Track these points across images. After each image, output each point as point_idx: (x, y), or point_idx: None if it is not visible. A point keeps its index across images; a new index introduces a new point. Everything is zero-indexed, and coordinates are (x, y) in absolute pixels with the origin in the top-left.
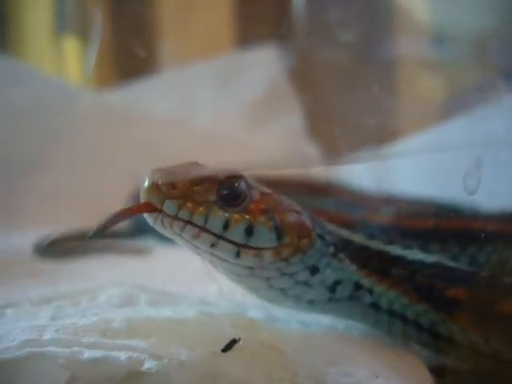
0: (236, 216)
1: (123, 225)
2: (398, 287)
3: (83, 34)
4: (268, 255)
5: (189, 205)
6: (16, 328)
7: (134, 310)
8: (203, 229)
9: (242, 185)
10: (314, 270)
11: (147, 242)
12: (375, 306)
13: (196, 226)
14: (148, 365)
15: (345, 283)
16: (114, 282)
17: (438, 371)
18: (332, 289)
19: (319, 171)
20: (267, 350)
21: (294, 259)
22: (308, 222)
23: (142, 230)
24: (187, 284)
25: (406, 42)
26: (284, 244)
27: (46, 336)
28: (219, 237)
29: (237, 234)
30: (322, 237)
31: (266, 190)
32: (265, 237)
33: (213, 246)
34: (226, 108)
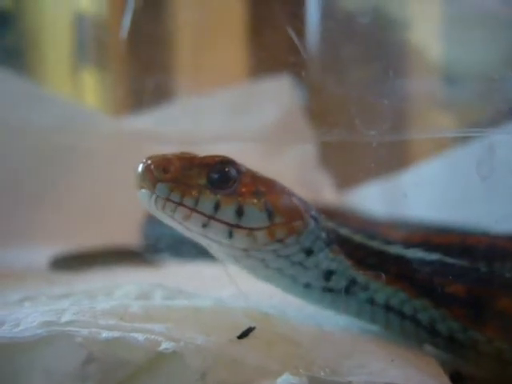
0: (226, 197)
1: (136, 241)
2: (396, 284)
3: (101, 66)
4: (261, 236)
5: (180, 188)
6: (35, 312)
7: (150, 301)
8: (194, 210)
9: (232, 169)
10: (309, 252)
11: (160, 257)
12: (371, 301)
13: (187, 207)
14: (165, 346)
15: (339, 275)
16: (130, 281)
17: (453, 376)
18: (327, 277)
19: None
20: (283, 340)
21: (289, 241)
22: (301, 205)
23: (154, 246)
24: (203, 287)
25: (418, 80)
26: (276, 224)
27: (65, 318)
28: (210, 217)
29: (227, 214)
30: (315, 220)
31: (258, 173)
32: (255, 217)
33: (205, 226)
34: (239, 136)
